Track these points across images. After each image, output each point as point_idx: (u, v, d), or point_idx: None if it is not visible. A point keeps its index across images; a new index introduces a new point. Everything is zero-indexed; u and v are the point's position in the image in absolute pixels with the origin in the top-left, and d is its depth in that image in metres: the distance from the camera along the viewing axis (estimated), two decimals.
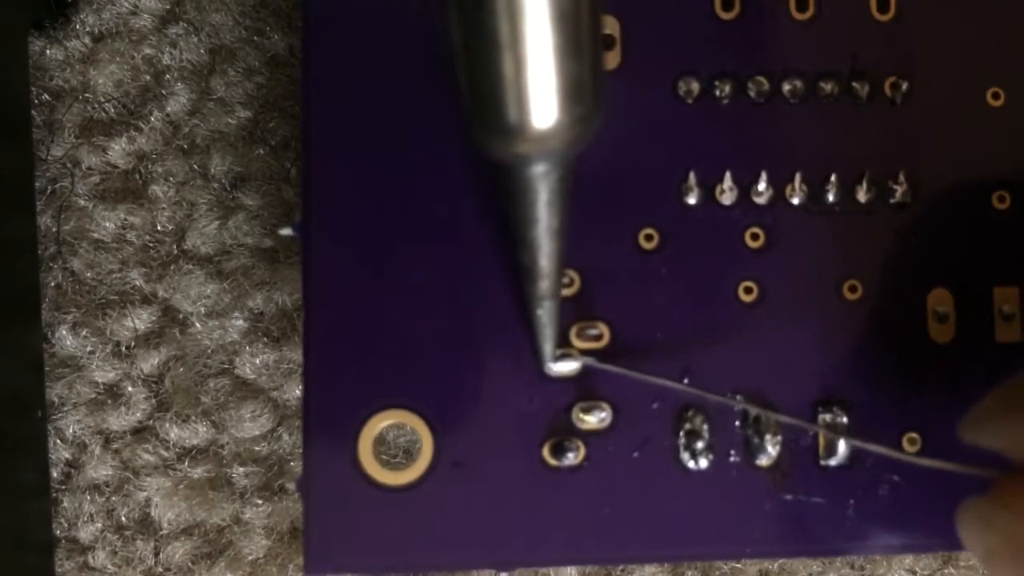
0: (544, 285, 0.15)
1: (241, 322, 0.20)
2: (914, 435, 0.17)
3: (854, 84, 0.17)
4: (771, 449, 0.16)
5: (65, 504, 0.19)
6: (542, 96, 0.11)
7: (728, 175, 0.17)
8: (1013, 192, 0.17)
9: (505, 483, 0.16)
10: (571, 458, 0.16)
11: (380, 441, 0.16)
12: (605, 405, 0.16)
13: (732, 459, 0.16)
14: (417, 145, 0.16)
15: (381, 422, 0.16)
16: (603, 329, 0.16)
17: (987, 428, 0.15)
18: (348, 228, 0.16)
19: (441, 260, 0.16)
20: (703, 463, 0.16)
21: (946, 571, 0.20)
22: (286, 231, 0.16)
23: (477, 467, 0.16)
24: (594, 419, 0.16)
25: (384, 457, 0.16)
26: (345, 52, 0.17)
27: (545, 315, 0.15)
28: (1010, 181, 0.17)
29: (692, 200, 0.17)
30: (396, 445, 0.18)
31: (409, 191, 0.16)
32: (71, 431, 0.19)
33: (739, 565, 0.20)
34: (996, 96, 0.17)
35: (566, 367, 0.16)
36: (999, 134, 0.17)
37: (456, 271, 0.16)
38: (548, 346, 0.16)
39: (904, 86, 0.17)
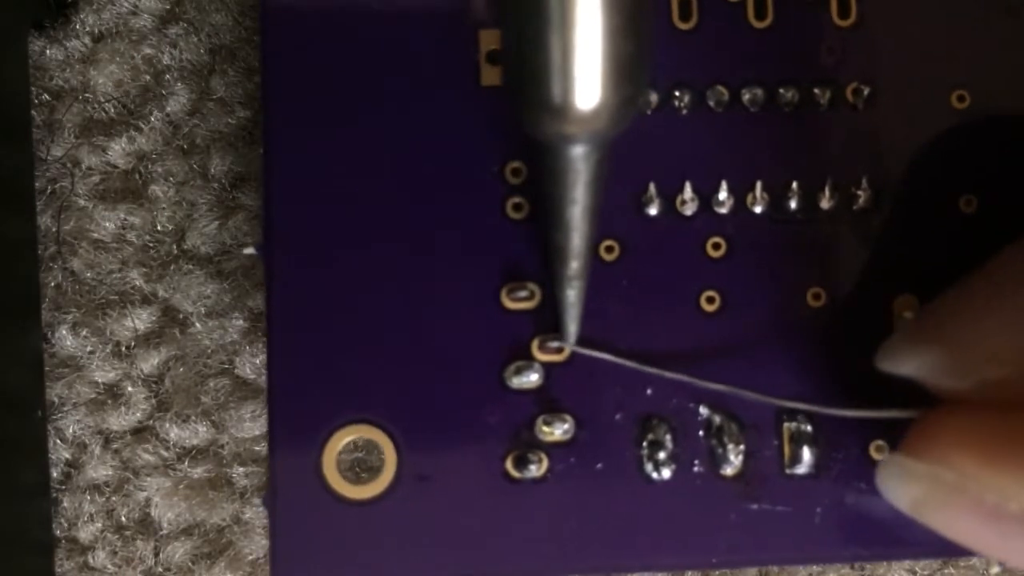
0: (576, 265, 0.15)
1: (241, 322, 0.20)
2: (881, 443, 0.16)
3: (815, 91, 0.17)
4: (735, 459, 0.16)
5: (65, 504, 0.19)
6: (589, 76, 0.11)
7: (688, 185, 0.16)
8: (980, 196, 0.17)
9: (469, 496, 0.16)
10: (534, 470, 0.16)
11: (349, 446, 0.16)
12: (567, 417, 0.16)
13: (696, 469, 0.16)
14: (384, 161, 0.16)
15: (345, 437, 0.16)
16: None
17: (899, 354, 0.15)
18: (310, 243, 0.16)
19: (403, 274, 0.16)
20: (666, 473, 0.16)
21: (946, 571, 0.20)
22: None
23: (441, 481, 0.16)
24: (556, 431, 0.16)
25: (345, 458, 0.16)
26: (309, 63, 0.16)
27: (574, 295, 0.15)
28: (977, 184, 0.17)
29: (653, 211, 0.16)
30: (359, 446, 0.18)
31: (374, 207, 0.16)
32: (71, 431, 0.19)
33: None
34: (961, 99, 0.17)
35: (528, 379, 0.16)
36: (965, 137, 0.17)
37: (418, 285, 0.16)
38: (574, 326, 0.16)
39: (866, 91, 0.17)
